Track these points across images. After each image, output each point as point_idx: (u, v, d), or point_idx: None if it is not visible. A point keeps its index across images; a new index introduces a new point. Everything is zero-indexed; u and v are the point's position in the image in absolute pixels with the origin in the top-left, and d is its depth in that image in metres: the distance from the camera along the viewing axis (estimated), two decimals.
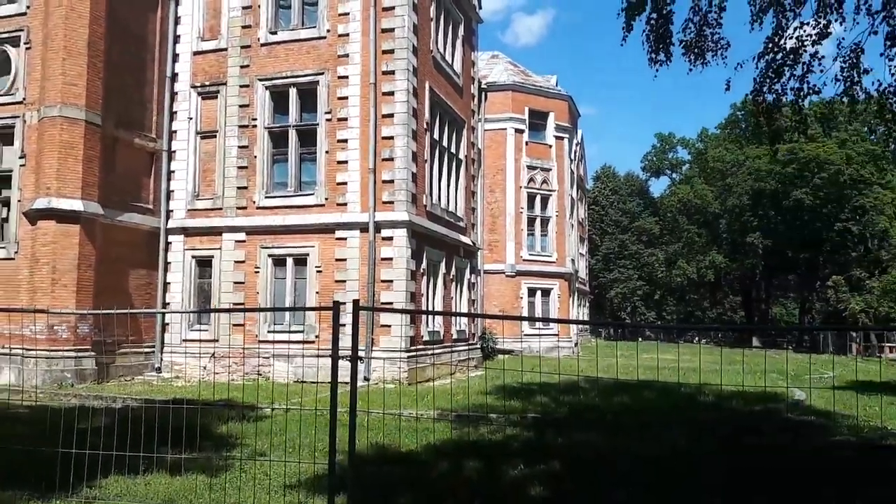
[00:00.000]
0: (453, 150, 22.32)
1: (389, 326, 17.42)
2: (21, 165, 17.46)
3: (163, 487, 6.46)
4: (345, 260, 18.11)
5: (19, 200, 17.40)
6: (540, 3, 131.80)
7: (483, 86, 30.61)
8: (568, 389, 14.59)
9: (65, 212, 16.61)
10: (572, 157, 37.93)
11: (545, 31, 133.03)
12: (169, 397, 12.17)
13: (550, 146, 34.61)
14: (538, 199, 34.08)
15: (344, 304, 5.43)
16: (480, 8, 25.73)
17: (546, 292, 33.66)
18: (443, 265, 20.72)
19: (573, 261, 36.90)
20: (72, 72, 16.96)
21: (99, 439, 6.09)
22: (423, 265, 19.07)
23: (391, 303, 17.52)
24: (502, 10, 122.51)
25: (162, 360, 19.06)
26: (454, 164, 22.42)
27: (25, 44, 17.66)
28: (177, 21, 20.13)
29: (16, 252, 17.18)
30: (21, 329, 15.94)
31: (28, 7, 17.74)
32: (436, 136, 20.59)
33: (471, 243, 23.77)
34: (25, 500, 5.89)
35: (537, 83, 35.77)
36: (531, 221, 33.80)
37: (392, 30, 18.33)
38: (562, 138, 35.26)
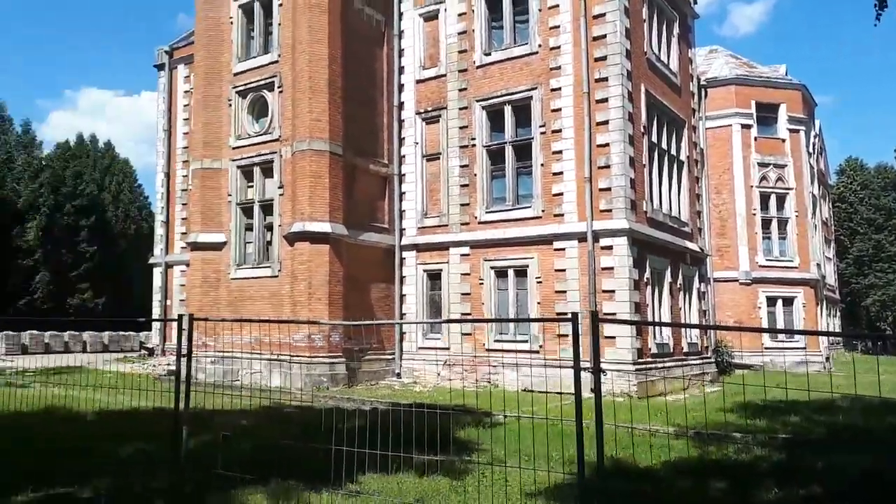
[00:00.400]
0: (673, 151, 21.44)
1: (614, 338, 17.14)
2: (280, 194, 20.02)
3: (413, 487, 7.01)
4: (564, 270, 18.23)
5: (279, 225, 19.93)
6: None
7: (702, 82, 28.98)
8: (822, 408, 13.22)
9: (316, 234, 18.74)
10: (810, 150, 34.28)
11: (766, 18, 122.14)
12: (410, 401, 13.14)
13: (784, 140, 31.61)
14: (773, 198, 31.23)
15: (574, 315, 5.48)
16: (695, 3, 24.46)
17: (788, 301, 30.62)
18: (668, 273, 19.94)
19: (819, 265, 33.19)
20: (317, 109, 19.14)
21: (354, 438, 6.77)
22: (647, 274, 18.51)
23: (614, 313, 17.25)
24: (717, 2, 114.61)
25: (401, 366, 20.62)
26: (675, 166, 21.52)
27: (278, 88, 20.27)
28: (401, 53, 21.82)
29: (279, 270, 19.70)
30: (287, 338, 18.23)
31: (279, 55, 20.36)
32: (654, 138, 19.95)
33: (698, 249, 22.58)
34: (301, 491, 6.71)
35: (763, 74, 32.97)
36: (766, 223, 31.03)
37: (603, 36, 18.17)
38: (796, 131, 32.05)
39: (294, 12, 19.77)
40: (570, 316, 5.44)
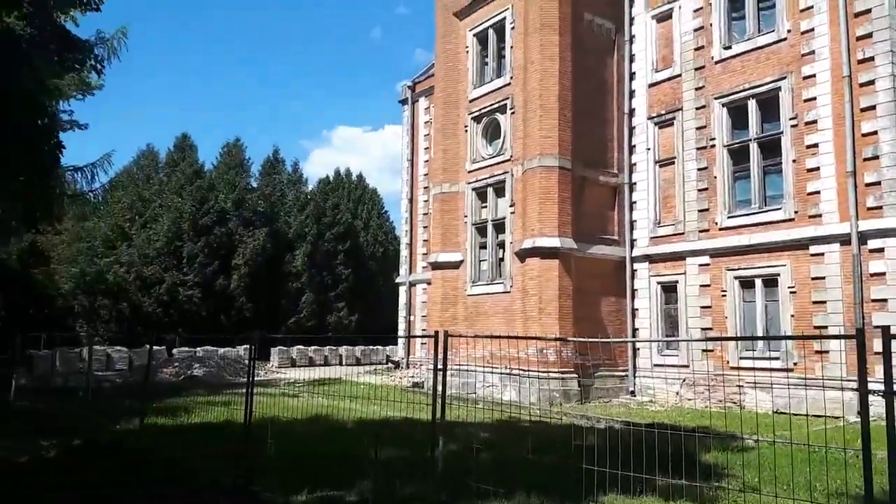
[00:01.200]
0: None
1: (879, 354, 14.78)
2: (511, 212, 20.56)
3: None
4: (823, 278, 16.26)
5: (511, 242, 20.45)
6: None
7: None
8: None
9: (546, 249, 18.90)
10: None
11: None
12: (646, 420, 12.62)
13: None
14: None
15: (859, 331, 4.86)
16: None
17: None
18: None
19: None
20: (546, 125, 19.38)
21: (594, 456, 6.66)
22: None
23: (888, 326, 14.90)
24: None
25: (635, 383, 19.90)
26: None
27: (510, 109, 20.89)
28: (631, 59, 21.27)
29: (510, 286, 20.19)
30: (520, 352, 18.58)
31: (511, 77, 20.99)
32: None
33: None
34: None
35: None
36: None
37: (868, 11, 16.00)
38: None
39: (525, 33, 20.30)
40: (843, 332, 4.85)
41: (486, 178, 21.50)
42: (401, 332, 29.67)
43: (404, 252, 30.42)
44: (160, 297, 37.36)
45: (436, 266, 22.52)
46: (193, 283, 38.09)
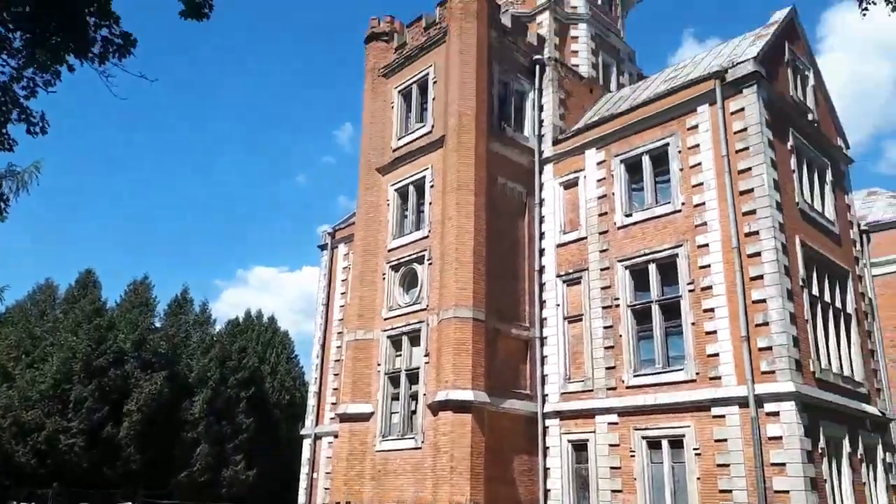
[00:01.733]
0: (839, 305, 19.97)
1: None
2: (426, 362, 20.53)
3: None
4: (725, 441, 16.70)
5: (424, 394, 20.22)
6: None
7: (863, 227, 27.28)
8: None
9: (459, 402, 18.76)
10: None
11: None
12: None
13: None
14: None
15: None
16: (847, 149, 23.78)
17: None
18: (846, 443, 17.75)
19: None
20: (462, 278, 19.98)
21: None
22: (821, 444, 16.56)
23: (787, 491, 15.37)
24: (870, 140, 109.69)
25: None
26: (842, 320, 19.93)
27: (428, 260, 21.53)
28: (541, 220, 22.67)
29: (422, 441, 19.69)
30: None
31: (429, 231, 21.84)
32: (815, 292, 18.77)
33: (879, 413, 20.08)
34: None
35: None
36: None
37: (751, 190, 17.94)
38: None
39: (443, 192, 21.41)
40: (747, 496, 4.99)
41: (401, 326, 21.61)
42: (301, 493, 27.79)
43: (312, 401, 29.30)
44: (37, 446, 34.00)
45: (344, 418, 21.78)
46: (78, 430, 34.98)
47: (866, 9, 8.87)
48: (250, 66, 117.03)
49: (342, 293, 28.83)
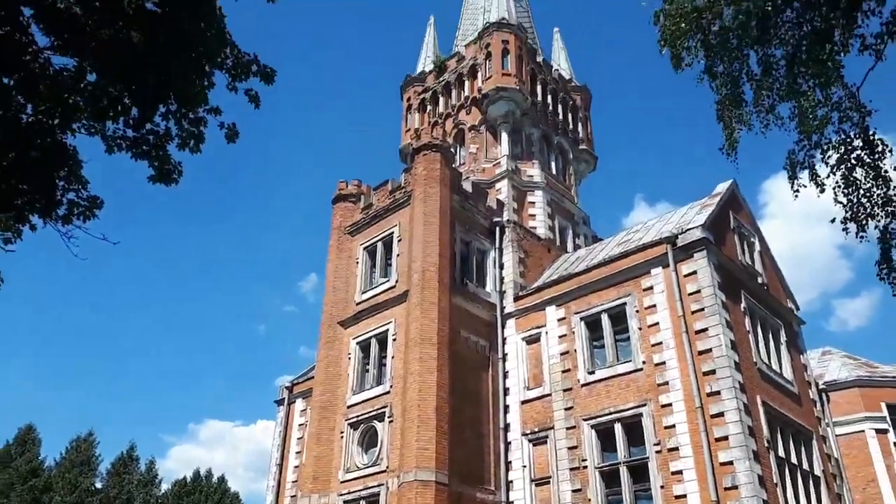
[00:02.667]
0: (805, 466, 19.54)
1: None
2: None
3: None
4: None
5: None
6: (859, 286, 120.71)
7: (821, 387, 27.45)
8: None
9: None
10: None
11: (872, 312, 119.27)
12: None
13: None
14: None
15: None
16: (798, 310, 24.42)
17: None
18: None
19: None
20: (424, 437, 19.09)
21: None
22: None
23: None
24: (819, 299, 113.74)
25: None
26: (811, 482, 19.41)
27: (389, 418, 20.63)
28: (505, 375, 22.25)
29: None
30: None
31: (391, 386, 21.13)
32: (781, 453, 18.39)
33: None
34: None
35: (888, 374, 30.98)
36: None
37: (709, 350, 18.04)
38: None
39: (406, 346, 21.01)
40: None
41: (359, 490, 20.22)
42: None
43: None
44: None
45: None
46: None
47: (797, 191, 9.48)
48: (212, 228, 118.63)
49: (297, 452, 27.26)
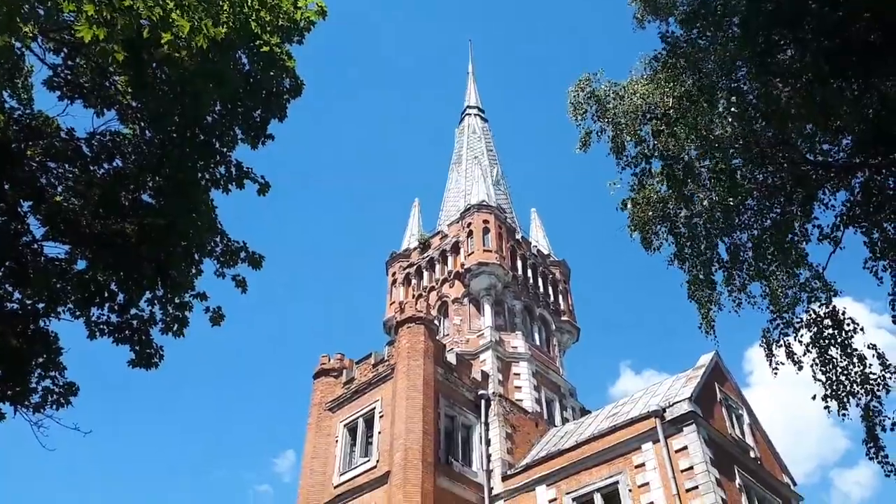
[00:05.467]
0: None
1: None
2: None
3: None
4: None
5: None
6: (857, 455, 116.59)
7: None
8: None
9: None
10: None
11: (874, 480, 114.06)
12: None
13: None
14: None
15: None
16: (795, 484, 23.49)
17: None
18: None
19: None
20: None
21: None
22: None
23: None
24: (817, 470, 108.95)
25: None
26: None
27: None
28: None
29: None
30: None
31: (378, 461, 21.41)
32: None
33: None
34: None
35: None
36: None
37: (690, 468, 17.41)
38: None
39: (393, 421, 21.63)
40: None
41: None
42: None
43: None
44: None
45: None
46: None
47: (776, 369, 9.54)
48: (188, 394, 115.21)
49: None
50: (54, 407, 7.51)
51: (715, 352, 23.38)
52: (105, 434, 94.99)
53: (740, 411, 22.77)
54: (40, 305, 8.47)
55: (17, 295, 8.50)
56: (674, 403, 19.64)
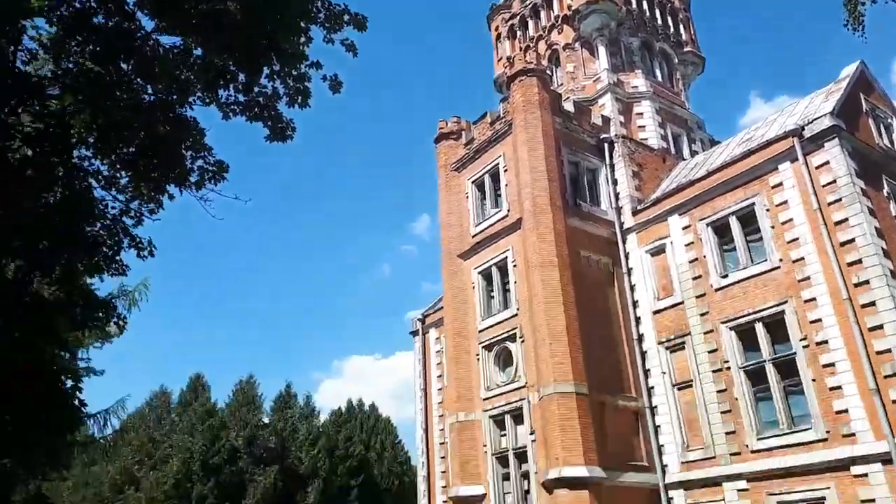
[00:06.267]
0: None
1: None
2: (532, 440, 19.03)
3: None
4: (872, 501, 14.57)
5: (535, 472, 18.63)
6: None
7: None
8: None
9: (574, 479, 17.09)
10: None
11: None
12: None
13: None
14: None
15: None
16: None
17: None
18: None
19: None
20: (558, 353, 18.65)
21: None
22: None
23: None
24: None
25: None
26: None
27: (520, 338, 20.34)
28: (632, 289, 21.19)
29: None
30: None
31: (517, 309, 20.74)
32: None
33: None
34: None
35: None
36: None
37: (852, 240, 16.26)
38: None
39: (527, 270, 20.41)
40: None
41: (502, 406, 20.27)
42: None
43: (422, 486, 27.84)
44: None
45: (457, 501, 20.35)
46: None
47: None
48: (315, 187, 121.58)
49: (438, 376, 27.76)
50: (213, 182, 7.75)
51: (860, 60, 20.40)
52: (260, 205, 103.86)
53: (889, 120, 20.30)
54: (174, 96, 8.44)
55: (149, 88, 8.48)
56: (813, 120, 17.71)
